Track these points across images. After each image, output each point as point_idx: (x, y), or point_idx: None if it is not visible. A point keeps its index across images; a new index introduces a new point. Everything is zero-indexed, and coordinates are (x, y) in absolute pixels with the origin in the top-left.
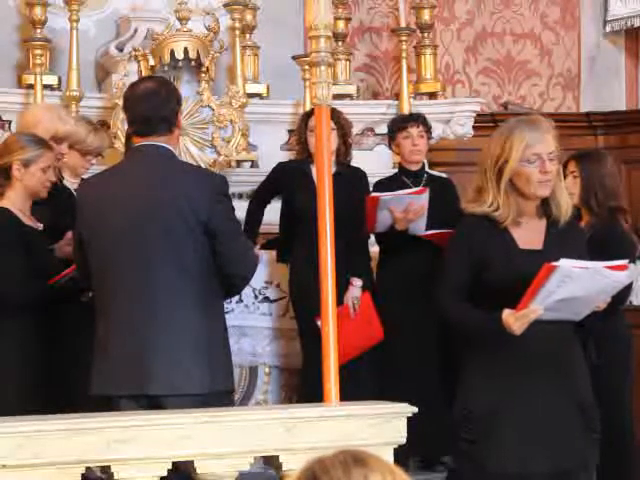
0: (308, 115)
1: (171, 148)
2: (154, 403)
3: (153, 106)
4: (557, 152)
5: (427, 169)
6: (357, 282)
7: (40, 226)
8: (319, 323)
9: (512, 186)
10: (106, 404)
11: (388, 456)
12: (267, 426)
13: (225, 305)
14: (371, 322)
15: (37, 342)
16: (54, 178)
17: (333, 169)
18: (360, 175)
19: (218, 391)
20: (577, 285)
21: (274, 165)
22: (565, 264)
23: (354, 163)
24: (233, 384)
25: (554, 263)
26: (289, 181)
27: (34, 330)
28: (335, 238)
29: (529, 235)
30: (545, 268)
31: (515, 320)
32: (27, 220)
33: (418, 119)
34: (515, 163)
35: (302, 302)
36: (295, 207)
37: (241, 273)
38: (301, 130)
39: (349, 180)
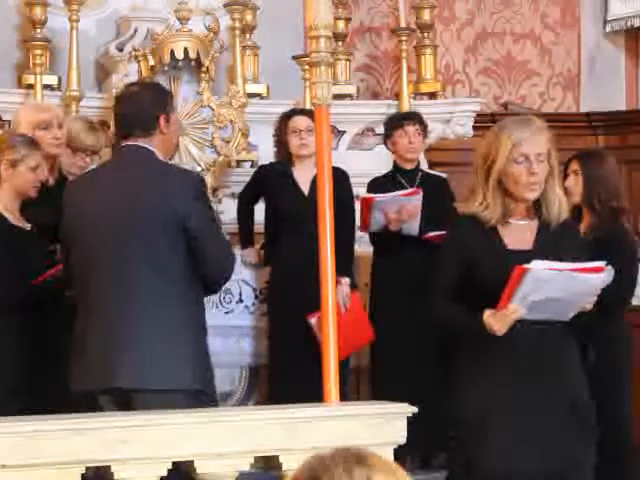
0: (287, 116)
1: (151, 148)
2: (127, 398)
3: (131, 109)
4: (548, 153)
5: (422, 167)
6: (345, 280)
7: (28, 226)
8: (312, 322)
9: (501, 186)
10: (89, 402)
11: (388, 456)
12: (267, 426)
13: (225, 305)
14: (360, 321)
15: (20, 343)
16: (43, 177)
17: (314, 170)
18: (341, 175)
19: (188, 389)
20: (554, 287)
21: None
22: (536, 267)
23: (355, 163)
24: (208, 385)
25: (525, 265)
26: (271, 183)
27: (16, 330)
28: (317, 239)
29: (518, 235)
30: (517, 271)
31: (496, 321)
32: (15, 220)
33: (415, 117)
34: (502, 162)
35: (281, 302)
36: (278, 209)
37: (216, 273)
38: (280, 131)
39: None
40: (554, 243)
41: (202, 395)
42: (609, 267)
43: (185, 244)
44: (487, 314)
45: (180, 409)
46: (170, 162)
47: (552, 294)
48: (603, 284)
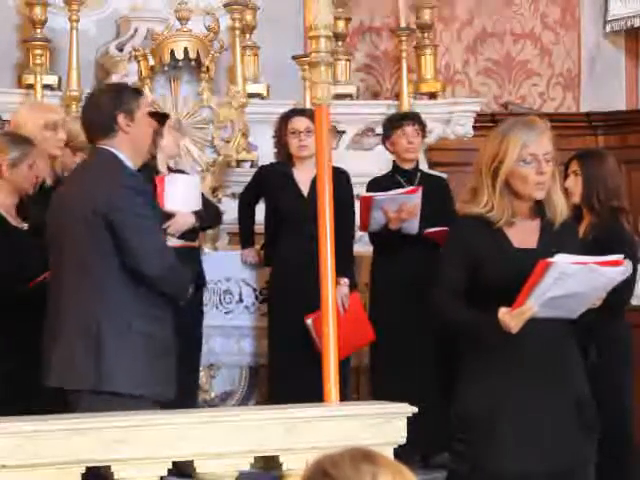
0: (287, 117)
1: (112, 149)
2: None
3: (90, 115)
4: (553, 153)
5: (421, 167)
6: (344, 280)
7: (25, 226)
8: (308, 322)
9: (507, 187)
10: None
11: (388, 456)
12: (267, 426)
13: (225, 305)
14: (360, 321)
15: (18, 343)
16: (40, 173)
17: (314, 171)
18: (342, 176)
19: (113, 392)
20: (573, 282)
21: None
22: (561, 260)
23: (355, 163)
24: (141, 390)
25: (550, 259)
26: (271, 184)
27: (15, 331)
28: (317, 239)
29: (523, 234)
30: (541, 264)
31: (511, 318)
32: (12, 220)
33: (413, 117)
34: (511, 163)
35: (281, 302)
36: (278, 209)
37: (146, 271)
38: (280, 132)
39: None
40: (556, 242)
41: (131, 398)
42: (627, 260)
43: (112, 241)
44: (502, 312)
45: (82, 408)
46: (169, 164)
47: (573, 289)
48: (623, 277)
